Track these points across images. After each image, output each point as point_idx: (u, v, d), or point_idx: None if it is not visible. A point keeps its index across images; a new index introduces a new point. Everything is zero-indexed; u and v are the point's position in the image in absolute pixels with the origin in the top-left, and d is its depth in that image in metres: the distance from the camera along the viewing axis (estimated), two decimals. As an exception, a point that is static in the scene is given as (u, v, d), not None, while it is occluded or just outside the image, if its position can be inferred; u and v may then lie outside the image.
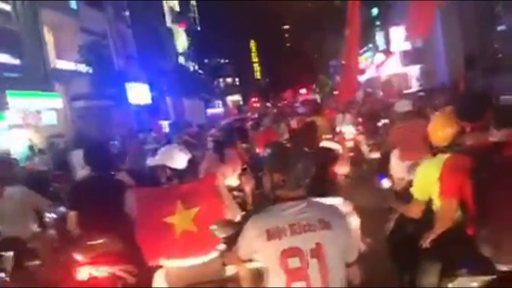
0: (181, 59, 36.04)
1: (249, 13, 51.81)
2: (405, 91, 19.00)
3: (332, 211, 2.47)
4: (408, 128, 4.69)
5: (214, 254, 3.08)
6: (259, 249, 2.34)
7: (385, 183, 3.94)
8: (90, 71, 17.62)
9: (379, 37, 27.73)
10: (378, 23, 26.57)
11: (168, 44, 31.94)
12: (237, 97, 52.23)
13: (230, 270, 3.07)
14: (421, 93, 17.26)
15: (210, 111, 41.37)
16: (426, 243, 2.90)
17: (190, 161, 3.46)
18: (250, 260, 2.51)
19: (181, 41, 36.11)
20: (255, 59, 74.92)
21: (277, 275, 2.28)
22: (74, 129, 17.46)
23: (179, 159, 3.37)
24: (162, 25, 31.63)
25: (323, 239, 2.28)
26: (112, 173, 4.11)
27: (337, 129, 10.12)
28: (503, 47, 22.23)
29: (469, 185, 2.59)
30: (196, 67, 39.23)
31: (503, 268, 2.48)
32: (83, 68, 17.61)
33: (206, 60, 43.13)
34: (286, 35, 53.61)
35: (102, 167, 3.93)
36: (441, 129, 3.11)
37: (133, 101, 22.56)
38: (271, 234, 2.29)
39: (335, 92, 31.88)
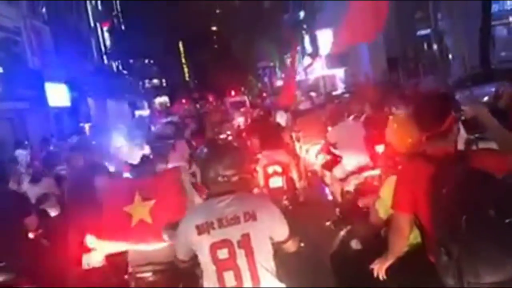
0: (105, 59, 34.51)
1: (176, 13, 50.69)
2: (333, 93, 19.30)
3: (258, 201, 2.72)
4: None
5: (165, 244, 3.28)
6: (193, 245, 2.55)
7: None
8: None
9: (307, 41, 28.17)
10: (305, 26, 26.96)
11: (90, 43, 30.39)
12: (164, 99, 51.00)
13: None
14: (346, 95, 17.68)
15: (138, 112, 40.10)
16: (379, 270, 2.52)
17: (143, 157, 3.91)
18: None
19: (105, 41, 34.58)
20: (183, 60, 73.70)
21: (207, 266, 2.51)
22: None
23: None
24: (84, 23, 30.04)
25: (249, 230, 2.49)
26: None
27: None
28: (422, 50, 23.38)
29: (425, 200, 2.22)
30: (121, 68, 37.76)
31: None
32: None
33: (131, 61, 41.63)
34: (214, 36, 53.08)
35: None
36: (399, 136, 2.78)
37: (52, 103, 21.14)
38: (201, 229, 2.50)
39: (264, 94, 32.08)
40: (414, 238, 2.47)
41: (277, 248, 2.69)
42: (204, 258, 2.54)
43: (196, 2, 44.34)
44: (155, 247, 3.47)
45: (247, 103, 27.12)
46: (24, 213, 3.56)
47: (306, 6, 25.61)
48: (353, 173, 5.85)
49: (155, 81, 58.56)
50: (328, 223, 3.45)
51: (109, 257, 3.88)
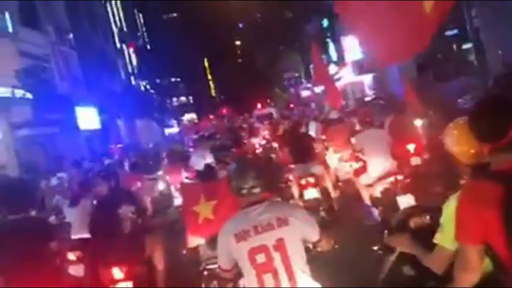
0: (132, 80, 34.95)
1: (200, 30, 51.23)
2: (366, 99, 18.82)
3: (289, 207, 2.98)
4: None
5: None
6: (232, 253, 2.78)
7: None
8: (29, 96, 16.38)
9: (332, 48, 27.77)
10: (329, 34, 26.57)
11: (117, 65, 30.84)
12: (192, 116, 51.31)
13: None
14: (377, 100, 17.22)
15: (168, 131, 40.45)
16: None
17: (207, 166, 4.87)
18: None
19: (131, 61, 35.07)
20: (209, 76, 74.36)
21: (248, 271, 2.73)
22: (18, 159, 16.18)
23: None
24: (110, 45, 30.53)
25: (282, 235, 2.71)
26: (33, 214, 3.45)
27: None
28: (450, 53, 22.63)
29: (497, 224, 1.85)
30: (148, 87, 38.16)
31: None
32: (21, 93, 16.35)
33: (158, 80, 42.07)
34: (238, 50, 53.33)
35: (15, 209, 3.28)
36: (459, 146, 2.34)
37: (83, 126, 21.40)
38: (238, 237, 2.74)
39: (291, 105, 31.76)
40: (485, 267, 2.09)
41: (314, 250, 2.98)
42: (244, 264, 2.77)
43: (219, 17, 44.62)
44: None
45: (274, 115, 26.83)
46: (45, 239, 3.32)
47: (328, 14, 25.22)
48: (379, 179, 6.00)
49: (182, 98, 59.16)
50: (375, 248, 3.06)
51: (188, 251, 4.57)
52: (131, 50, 34.98)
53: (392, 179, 5.76)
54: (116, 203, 4.00)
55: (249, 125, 19.99)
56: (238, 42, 48.54)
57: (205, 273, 4.26)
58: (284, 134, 11.80)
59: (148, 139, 30.15)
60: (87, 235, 4.64)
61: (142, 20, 45.29)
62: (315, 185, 7.75)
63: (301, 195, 7.79)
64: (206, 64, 71.96)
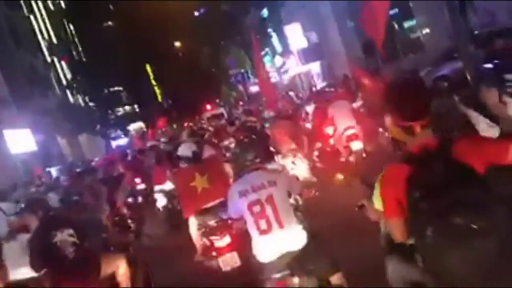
0: (68, 95, 32.84)
1: (138, 36, 49.31)
2: (314, 89, 18.10)
3: (276, 173, 4.21)
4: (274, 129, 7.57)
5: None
6: (237, 204, 3.92)
7: None
8: None
9: (275, 39, 26.79)
10: (270, 24, 25.54)
11: (49, 80, 28.73)
12: (139, 125, 49.41)
13: None
14: (327, 89, 16.53)
15: (115, 143, 38.50)
16: None
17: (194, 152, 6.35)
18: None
19: (66, 75, 32.89)
20: (153, 82, 72.19)
21: (248, 218, 3.85)
22: None
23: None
24: (39, 60, 28.38)
25: (272, 192, 3.84)
26: None
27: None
28: (393, 31, 22.24)
29: (405, 205, 2.12)
30: (87, 100, 36.05)
31: None
32: None
33: (97, 92, 39.88)
34: (179, 52, 51.71)
35: None
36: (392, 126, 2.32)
37: (15, 150, 19.55)
38: (240, 194, 3.90)
39: (241, 102, 30.73)
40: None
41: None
42: (245, 213, 3.83)
43: (155, 20, 42.96)
44: (216, 202, 5.39)
45: (225, 115, 25.72)
46: None
47: (268, 3, 24.20)
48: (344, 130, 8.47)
49: (127, 107, 56.96)
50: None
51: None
52: (63, 63, 32.76)
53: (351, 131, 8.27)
54: (49, 231, 4.22)
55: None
56: (177, 43, 46.95)
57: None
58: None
59: (93, 154, 28.51)
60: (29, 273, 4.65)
61: (73, 31, 42.93)
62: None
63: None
64: (149, 69, 69.79)
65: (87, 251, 4.27)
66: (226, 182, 5.46)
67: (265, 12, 25.18)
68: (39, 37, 29.23)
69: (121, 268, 4.60)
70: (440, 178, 2.01)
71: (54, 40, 32.69)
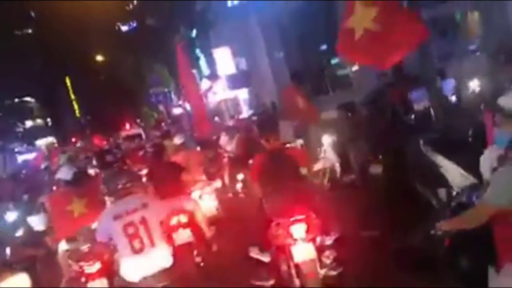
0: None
1: (59, 47, 46.20)
2: (239, 117, 17.18)
3: (147, 197, 4.91)
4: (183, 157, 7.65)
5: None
6: (110, 228, 4.35)
7: None
8: None
9: (203, 61, 25.67)
10: (198, 44, 24.42)
11: None
12: (50, 139, 45.91)
13: None
14: (254, 117, 15.88)
15: (22, 157, 35.39)
16: None
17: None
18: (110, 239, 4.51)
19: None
20: (72, 96, 68.14)
21: (122, 240, 4.27)
22: None
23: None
24: None
25: (144, 214, 4.36)
26: None
27: None
28: (328, 66, 22.13)
29: None
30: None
31: None
32: None
33: (7, 102, 36.37)
34: (101, 67, 49.07)
35: None
36: None
37: None
38: (116, 217, 4.33)
39: (162, 124, 29.18)
40: None
41: None
42: (119, 235, 4.31)
43: (76, 33, 40.47)
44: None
45: (143, 135, 24.14)
46: None
47: (197, 23, 23.07)
48: None
49: (39, 121, 52.94)
50: None
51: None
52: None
53: None
54: None
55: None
56: (100, 57, 44.47)
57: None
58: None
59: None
60: None
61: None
62: (187, 225, 6.38)
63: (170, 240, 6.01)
64: (68, 82, 65.85)
65: None
66: (104, 207, 5.40)
67: (193, 32, 24.07)
68: None
69: (22, 284, 4.83)
70: None
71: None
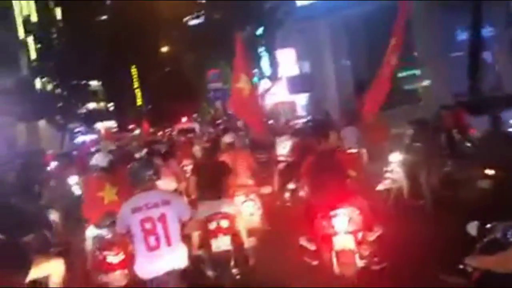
0: (39, 79, 30.53)
1: (127, 35, 47.39)
2: (296, 122, 16.47)
3: (171, 194, 4.85)
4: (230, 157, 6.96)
5: None
6: (128, 220, 4.16)
7: None
8: None
9: (265, 61, 25.11)
10: (263, 42, 23.85)
11: (16, 59, 26.44)
12: (110, 124, 47.09)
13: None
14: (310, 124, 15.14)
15: (82, 138, 36.45)
16: None
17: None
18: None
19: (39, 57, 30.56)
20: (136, 84, 70.07)
21: (138, 233, 4.09)
22: None
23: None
24: (10, 35, 26.10)
25: (164, 211, 4.13)
26: None
27: None
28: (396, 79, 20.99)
29: None
30: (58, 89, 33.65)
31: None
32: None
33: (74, 82, 37.49)
34: (166, 58, 49.84)
35: None
36: None
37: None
38: (134, 210, 4.13)
39: (218, 122, 28.96)
40: None
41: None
42: (135, 229, 4.11)
43: (146, 24, 41.23)
44: None
45: (197, 130, 23.95)
46: None
47: (265, 21, 22.49)
48: None
49: (101, 104, 54.55)
50: None
51: None
52: (39, 45, 30.41)
53: None
54: None
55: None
56: (165, 49, 45.03)
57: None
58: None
59: (51, 145, 26.35)
60: None
61: (59, 16, 40.71)
62: (228, 231, 5.82)
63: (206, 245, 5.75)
64: (135, 71, 67.69)
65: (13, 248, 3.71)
66: None
67: (260, 30, 23.55)
68: (16, 10, 27.04)
69: (55, 275, 4.05)
70: None
71: (34, 17, 30.47)
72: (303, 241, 5.49)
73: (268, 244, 6.67)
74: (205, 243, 5.77)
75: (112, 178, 5.84)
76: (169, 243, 4.07)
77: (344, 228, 5.04)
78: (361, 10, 17.87)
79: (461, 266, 3.28)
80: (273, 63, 23.46)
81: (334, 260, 5.03)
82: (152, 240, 4.05)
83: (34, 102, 24.71)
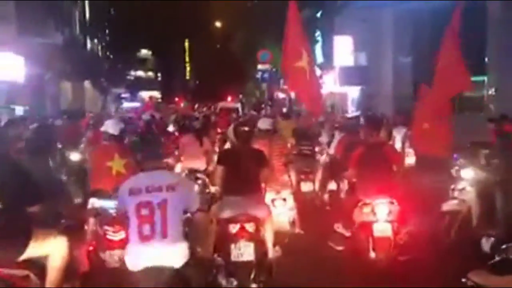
0: (89, 40, 30.44)
1: (181, 8, 46.94)
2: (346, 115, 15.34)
3: (179, 179, 4.08)
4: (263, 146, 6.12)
5: None
6: (124, 202, 3.67)
7: None
8: None
9: (319, 47, 23.82)
10: (320, 26, 22.50)
11: (69, 17, 26.24)
12: (155, 93, 47.24)
13: None
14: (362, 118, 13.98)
15: (127, 104, 36.60)
16: None
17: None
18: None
19: (93, 19, 30.38)
20: (187, 58, 70.02)
21: (133, 219, 3.58)
22: None
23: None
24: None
25: (167, 197, 3.58)
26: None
27: None
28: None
29: None
30: (108, 53, 33.60)
31: None
32: None
33: (123, 47, 37.38)
34: (218, 34, 49.15)
35: None
36: None
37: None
38: (132, 192, 3.63)
39: (262, 105, 28.01)
40: None
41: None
42: (131, 213, 3.60)
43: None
44: None
45: (240, 111, 23.20)
46: None
47: (325, 3, 21.09)
48: None
49: (150, 73, 54.71)
50: None
51: None
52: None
53: None
54: None
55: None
56: (218, 24, 44.29)
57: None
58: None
59: (94, 108, 26.39)
60: None
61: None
62: (252, 238, 4.89)
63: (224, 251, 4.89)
64: (187, 44, 67.51)
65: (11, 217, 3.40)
66: None
67: (319, 13, 22.16)
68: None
69: (54, 255, 3.65)
70: None
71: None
72: (338, 227, 5.97)
73: (298, 251, 5.89)
74: (222, 248, 4.87)
75: (122, 150, 5.70)
76: (164, 235, 3.53)
77: (385, 216, 5.37)
78: (430, 4, 16.32)
79: (463, 280, 3.36)
80: (327, 51, 22.20)
81: (371, 246, 5.35)
82: (146, 228, 3.54)
83: (81, 62, 24.44)
